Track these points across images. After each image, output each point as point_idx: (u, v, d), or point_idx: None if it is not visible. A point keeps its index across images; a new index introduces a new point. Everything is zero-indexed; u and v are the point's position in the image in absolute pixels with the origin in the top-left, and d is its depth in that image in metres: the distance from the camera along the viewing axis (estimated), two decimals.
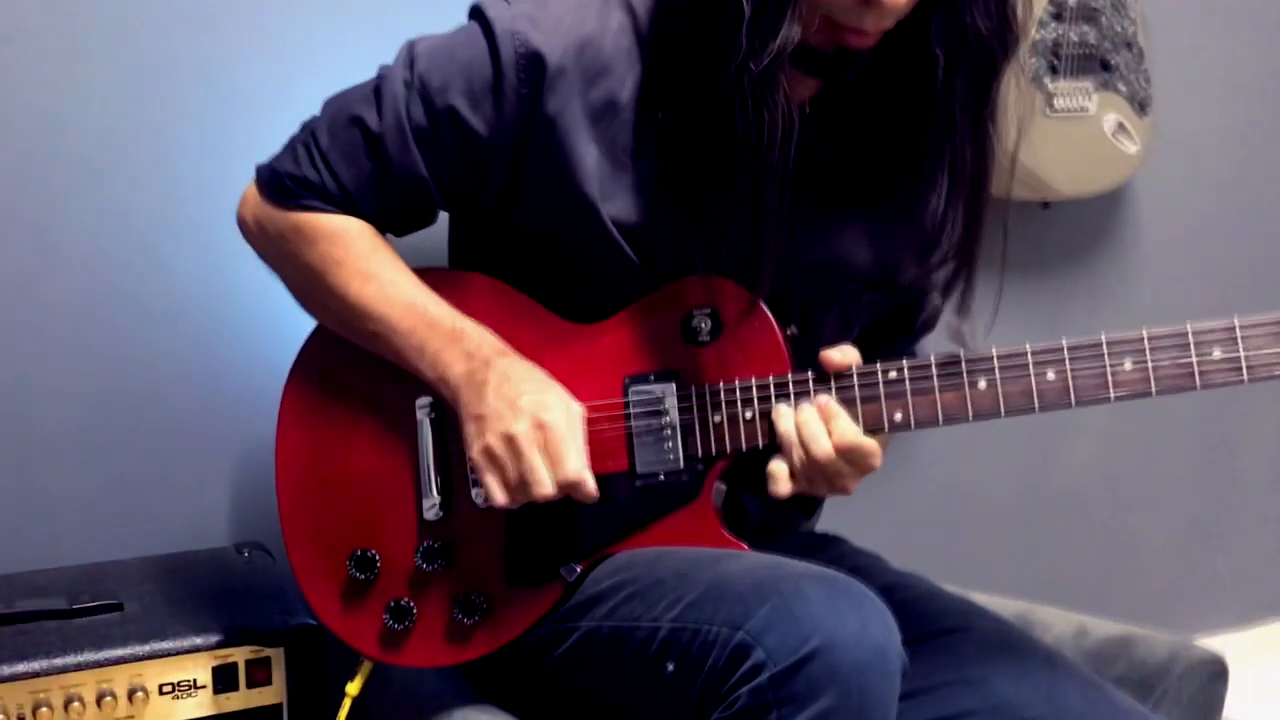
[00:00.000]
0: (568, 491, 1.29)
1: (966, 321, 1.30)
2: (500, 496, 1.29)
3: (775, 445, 1.30)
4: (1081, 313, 2.32)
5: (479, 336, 1.33)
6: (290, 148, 1.39)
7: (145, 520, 1.74)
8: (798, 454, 1.28)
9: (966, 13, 1.24)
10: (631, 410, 1.34)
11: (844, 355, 1.30)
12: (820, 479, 1.29)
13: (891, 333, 1.47)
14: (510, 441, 1.28)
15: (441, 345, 1.32)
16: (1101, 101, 2.10)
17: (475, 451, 1.30)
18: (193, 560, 1.69)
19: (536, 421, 1.28)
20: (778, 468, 1.29)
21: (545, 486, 1.27)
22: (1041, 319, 2.19)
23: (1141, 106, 2.14)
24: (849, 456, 1.27)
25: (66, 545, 1.69)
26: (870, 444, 1.28)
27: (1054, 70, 2.07)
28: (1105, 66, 2.10)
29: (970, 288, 1.32)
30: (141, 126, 1.68)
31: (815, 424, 1.27)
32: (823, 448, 1.26)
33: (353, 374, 1.40)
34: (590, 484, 1.29)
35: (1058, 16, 2.06)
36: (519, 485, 1.28)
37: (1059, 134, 2.08)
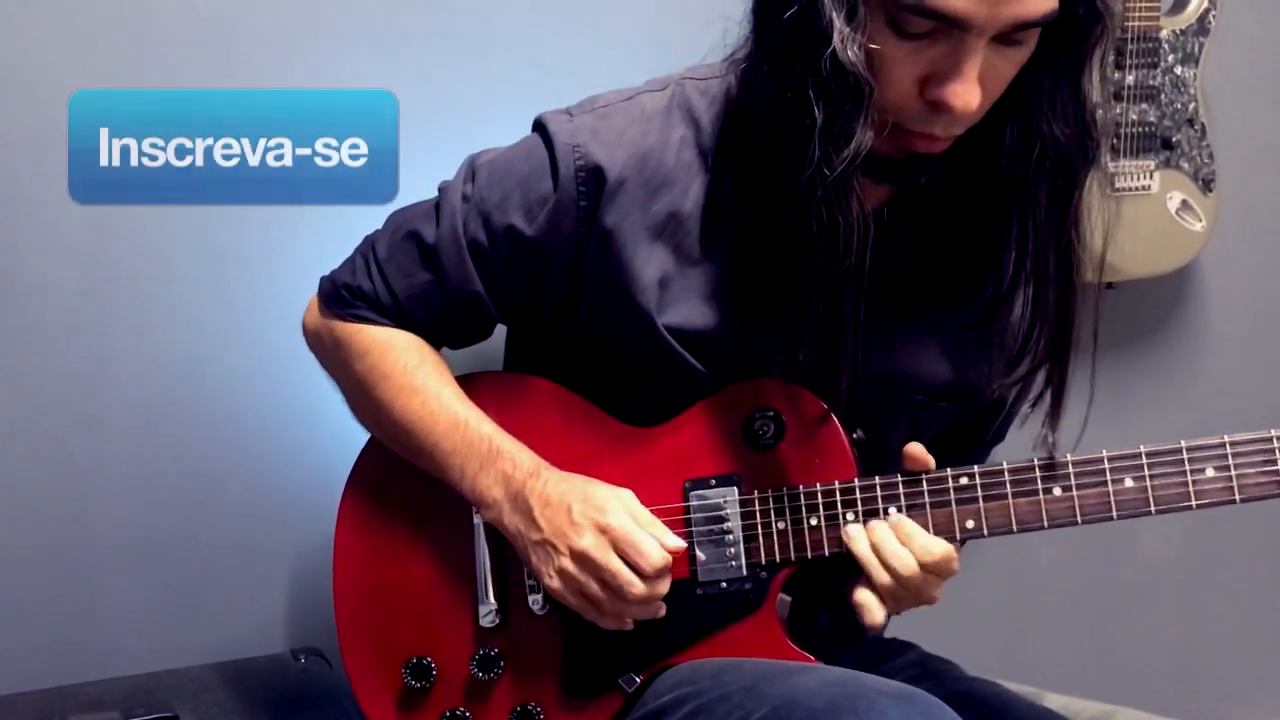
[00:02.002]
0: (662, 578, 1.26)
1: (1055, 431, 1.25)
2: (594, 616, 1.27)
3: (841, 553, 1.26)
4: (1147, 394, 2.26)
5: (515, 455, 1.31)
6: (350, 259, 1.40)
7: (201, 628, 1.72)
8: (881, 576, 1.24)
9: (1044, 120, 1.19)
10: (692, 515, 1.31)
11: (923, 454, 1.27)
12: (907, 596, 1.25)
13: (961, 443, 1.43)
14: (582, 558, 1.25)
15: (479, 468, 1.31)
16: (1164, 180, 2.07)
17: (553, 581, 1.27)
18: (249, 668, 1.67)
19: (599, 526, 1.25)
20: (865, 597, 1.25)
21: (636, 586, 1.25)
22: (1107, 400, 2.13)
23: (1206, 184, 2.10)
24: (933, 569, 1.24)
25: (122, 654, 1.67)
26: (949, 550, 1.24)
27: (1114, 150, 2.03)
28: (1167, 145, 2.07)
29: (1061, 398, 1.28)
30: (192, 235, 1.67)
31: (893, 543, 1.24)
32: (906, 565, 1.23)
33: (409, 481, 1.38)
34: (682, 546, 1.27)
35: (1117, 96, 2.03)
36: (613, 598, 1.25)
37: (1121, 214, 2.04)
